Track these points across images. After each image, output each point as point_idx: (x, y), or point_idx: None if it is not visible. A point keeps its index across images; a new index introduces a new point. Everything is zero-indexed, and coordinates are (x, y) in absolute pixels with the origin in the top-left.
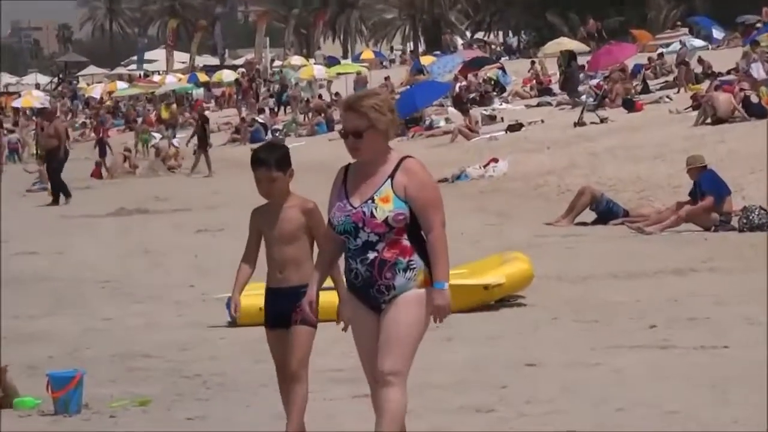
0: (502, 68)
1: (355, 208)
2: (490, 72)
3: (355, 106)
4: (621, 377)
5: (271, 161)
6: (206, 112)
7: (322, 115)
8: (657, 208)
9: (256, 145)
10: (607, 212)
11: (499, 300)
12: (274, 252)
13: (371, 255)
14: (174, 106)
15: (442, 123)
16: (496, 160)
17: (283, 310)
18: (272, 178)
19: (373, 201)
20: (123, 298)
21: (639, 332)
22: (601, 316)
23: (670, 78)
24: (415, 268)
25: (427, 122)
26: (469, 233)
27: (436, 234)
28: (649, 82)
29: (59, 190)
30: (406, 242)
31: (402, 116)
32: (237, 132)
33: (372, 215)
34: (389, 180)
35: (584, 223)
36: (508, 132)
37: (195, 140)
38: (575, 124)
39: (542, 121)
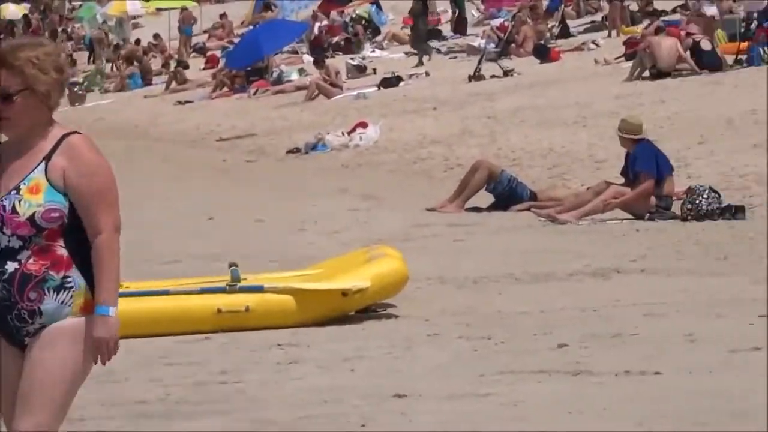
0: (376, 3)
1: None
2: (359, 8)
3: (8, 58)
4: (519, 412)
5: None
6: None
7: (136, 64)
8: (574, 190)
9: None
10: (508, 194)
11: (361, 310)
12: None
13: (10, 267)
14: None
15: (295, 75)
16: (364, 125)
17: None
18: None
19: (18, 191)
20: None
21: (544, 353)
22: (495, 331)
23: (598, 17)
24: (71, 287)
25: (276, 74)
26: (325, 221)
27: (104, 239)
28: (569, 22)
29: None
30: (62, 251)
31: (242, 66)
32: None
33: (13, 211)
34: (44, 163)
35: (478, 209)
36: (381, 88)
37: None
38: (470, 78)
39: (427, 74)
